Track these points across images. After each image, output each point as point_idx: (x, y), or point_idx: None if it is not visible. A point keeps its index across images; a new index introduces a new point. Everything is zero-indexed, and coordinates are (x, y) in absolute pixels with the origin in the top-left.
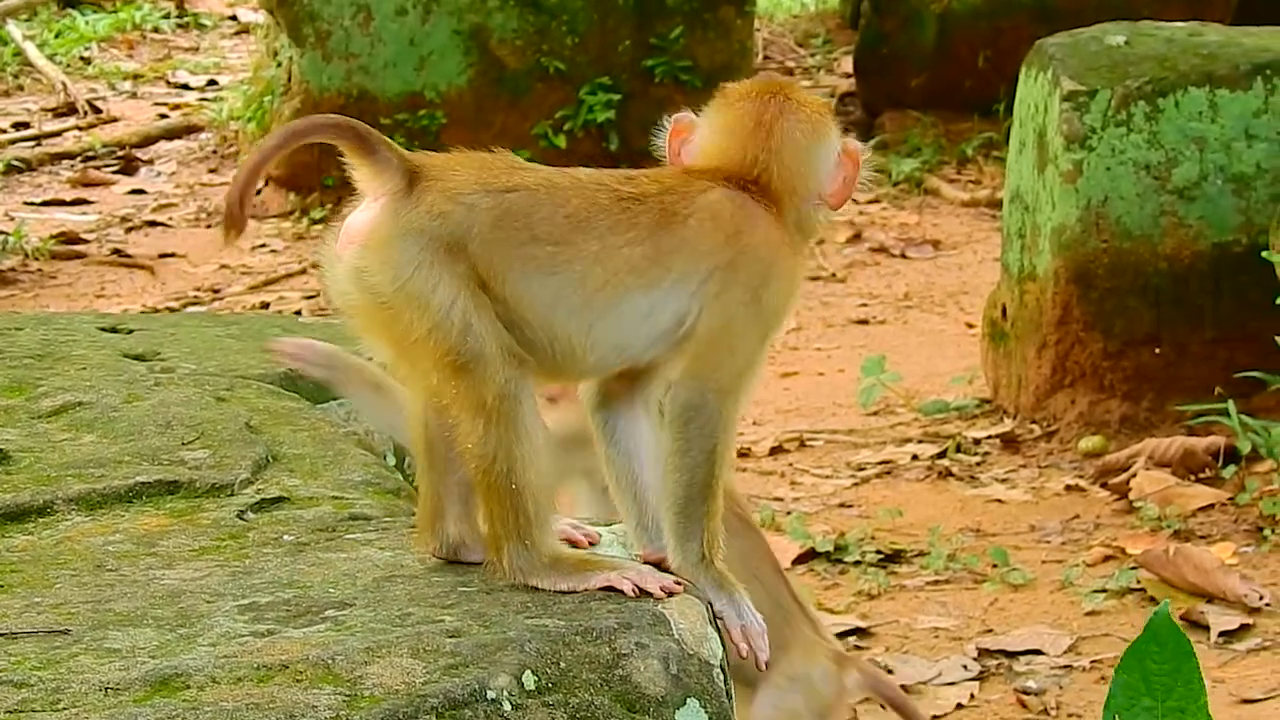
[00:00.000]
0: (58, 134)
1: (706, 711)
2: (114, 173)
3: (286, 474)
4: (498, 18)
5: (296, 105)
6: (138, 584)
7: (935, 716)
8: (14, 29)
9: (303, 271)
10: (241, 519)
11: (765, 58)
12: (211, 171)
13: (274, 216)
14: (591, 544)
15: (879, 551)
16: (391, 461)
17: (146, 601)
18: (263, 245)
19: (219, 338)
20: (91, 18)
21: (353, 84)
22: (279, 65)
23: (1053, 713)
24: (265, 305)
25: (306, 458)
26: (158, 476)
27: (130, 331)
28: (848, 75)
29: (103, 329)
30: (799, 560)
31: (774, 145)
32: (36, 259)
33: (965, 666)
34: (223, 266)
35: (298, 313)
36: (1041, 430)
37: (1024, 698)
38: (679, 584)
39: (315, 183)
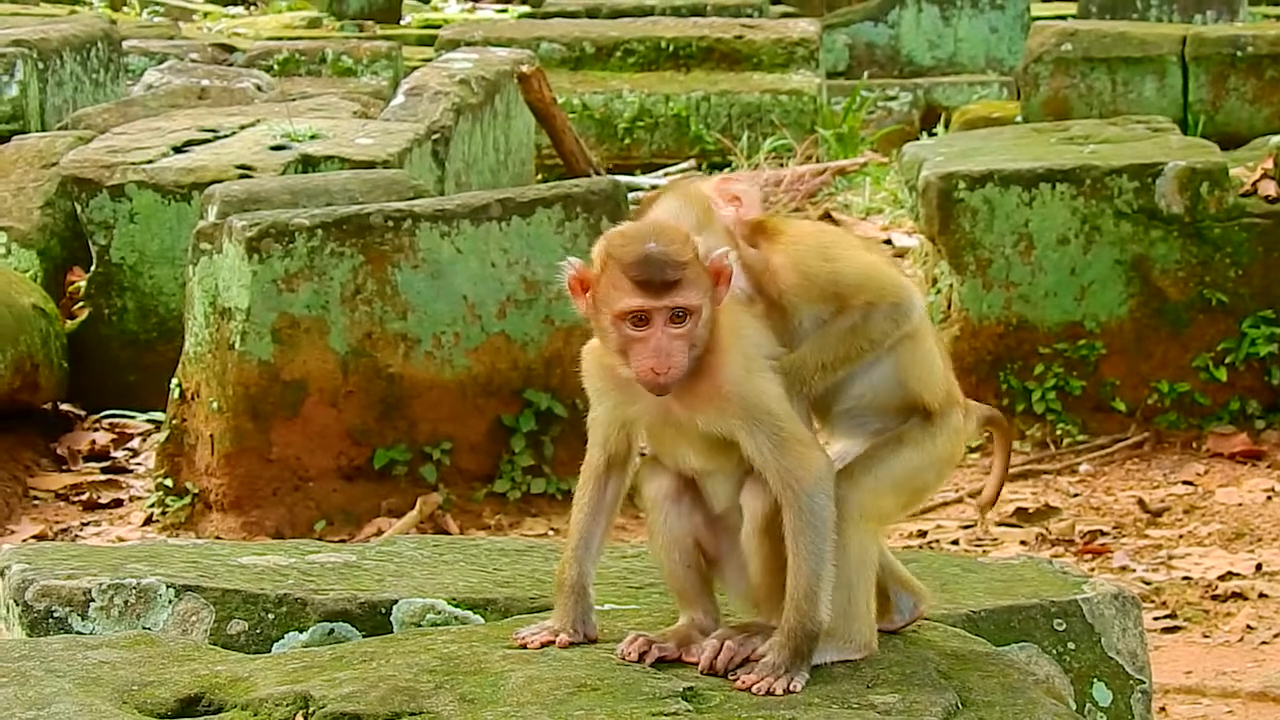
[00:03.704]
0: None
1: None
2: None
3: None
4: (1160, 248)
5: (955, 333)
6: None
7: None
8: None
9: (959, 501)
10: None
11: None
12: None
13: None
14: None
15: None
16: (1073, 706)
17: None
18: None
19: None
20: None
21: (1012, 312)
22: (938, 292)
23: None
24: (923, 534)
25: (996, 705)
26: None
27: None
28: None
29: None
30: None
31: None
32: None
33: None
34: None
35: (1050, 560)
36: None
37: None
38: None
39: None
